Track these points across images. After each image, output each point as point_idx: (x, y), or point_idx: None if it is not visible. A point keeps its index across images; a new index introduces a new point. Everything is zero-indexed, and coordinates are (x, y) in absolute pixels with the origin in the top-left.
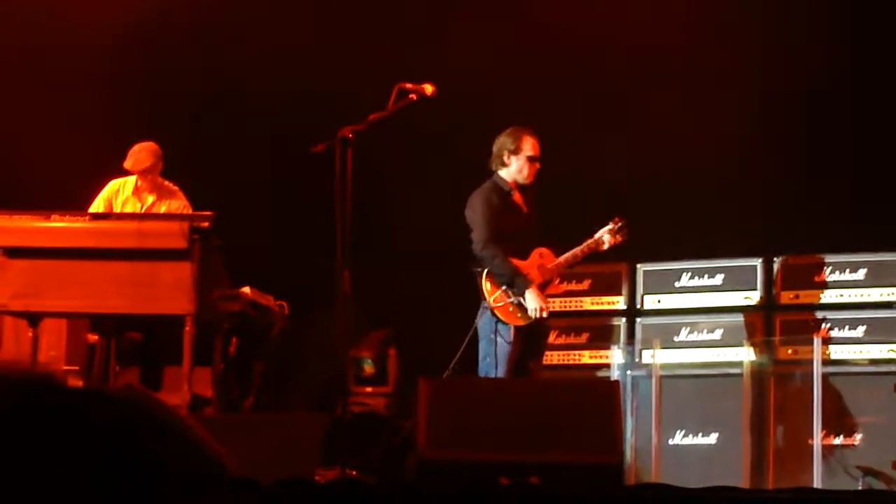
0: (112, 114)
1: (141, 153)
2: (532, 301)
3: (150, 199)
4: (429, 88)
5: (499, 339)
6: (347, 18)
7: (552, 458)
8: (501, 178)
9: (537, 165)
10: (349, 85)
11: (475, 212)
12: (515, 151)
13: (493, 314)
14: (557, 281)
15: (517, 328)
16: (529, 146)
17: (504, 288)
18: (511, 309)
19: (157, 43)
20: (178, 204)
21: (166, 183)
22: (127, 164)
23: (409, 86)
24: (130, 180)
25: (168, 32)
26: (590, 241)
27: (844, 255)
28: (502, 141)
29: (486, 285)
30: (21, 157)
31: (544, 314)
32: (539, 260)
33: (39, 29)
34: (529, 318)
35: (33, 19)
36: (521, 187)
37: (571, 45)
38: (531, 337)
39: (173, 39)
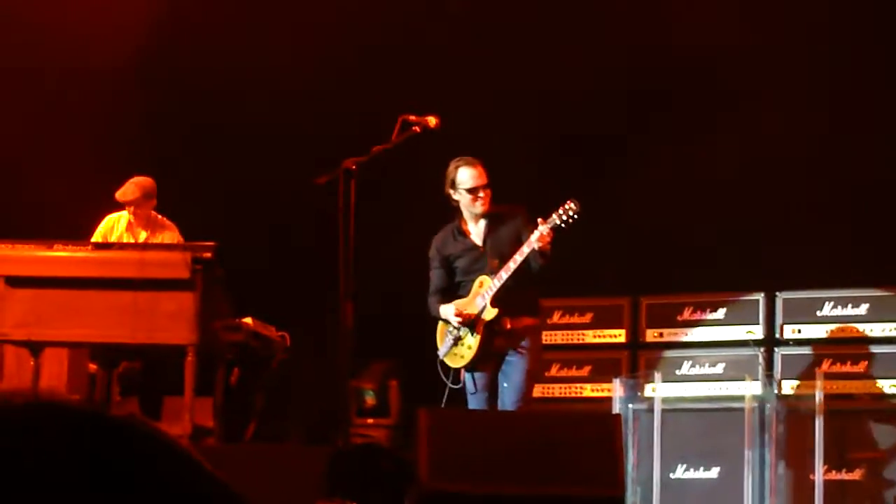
0: (114, 144)
1: (129, 186)
2: (448, 316)
3: (143, 234)
4: (432, 121)
5: (467, 391)
6: (351, 51)
7: (553, 491)
8: (458, 216)
9: (485, 193)
10: (353, 117)
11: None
12: (453, 186)
13: (447, 367)
14: (492, 308)
15: (476, 374)
16: (467, 177)
17: (446, 329)
18: (455, 351)
19: (160, 73)
20: (170, 237)
21: (159, 217)
22: (117, 195)
23: (412, 118)
24: (124, 216)
25: (170, 63)
26: (521, 247)
27: (846, 290)
28: (445, 175)
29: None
30: (23, 186)
31: (457, 319)
32: (478, 290)
33: (42, 57)
34: (468, 354)
35: (35, 46)
36: (490, 215)
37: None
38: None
39: (176, 69)
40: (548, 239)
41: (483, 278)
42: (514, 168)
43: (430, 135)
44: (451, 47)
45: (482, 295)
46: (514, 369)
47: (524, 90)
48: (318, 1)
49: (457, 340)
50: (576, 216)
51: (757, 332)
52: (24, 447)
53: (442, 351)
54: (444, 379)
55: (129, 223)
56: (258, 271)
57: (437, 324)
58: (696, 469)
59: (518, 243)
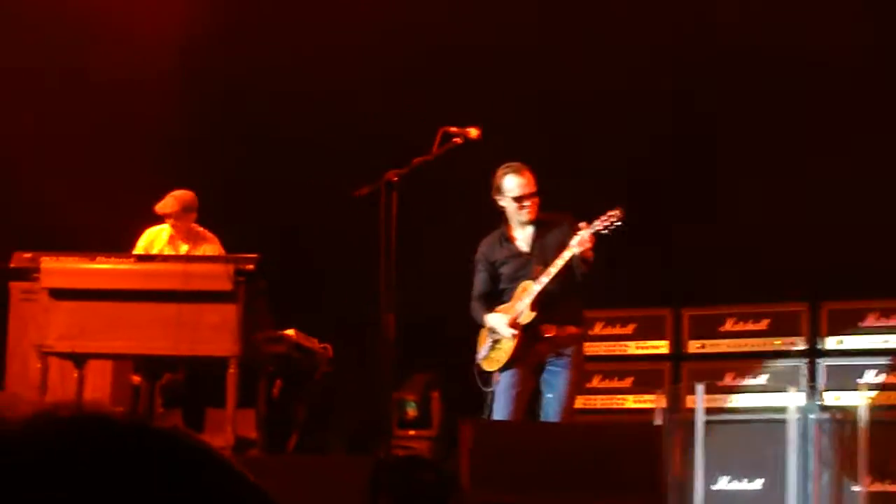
0: (156, 157)
1: (169, 199)
2: (496, 325)
3: (185, 247)
4: (473, 132)
5: (496, 388)
6: (392, 62)
7: (595, 502)
8: (504, 222)
9: (531, 201)
10: (393, 129)
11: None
12: (499, 192)
13: (482, 371)
14: (531, 312)
15: (507, 372)
16: (514, 186)
17: (487, 335)
18: (492, 355)
19: (203, 87)
20: (212, 249)
21: (200, 230)
22: (156, 207)
23: (453, 129)
24: (166, 229)
25: (213, 76)
26: (563, 252)
27: (890, 300)
28: (492, 182)
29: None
30: (65, 200)
31: (513, 331)
32: (520, 295)
33: (85, 70)
34: (503, 357)
35: (78, 58)
36: (537, 222)
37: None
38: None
39: (218, 83)
40: (589, 244)
41: (526, 283)
42: (559, 176)
43: (472, 146)
44: (495, 56)
45: (523, 299)
46: (558, 379)
47: (568, 97)
48: (361, 14)
49: (495, 343)
50: (620, 224)
51: (799, 342)
52: (70, 459)
53: (481, 355)
54: (479, 383)
55: (171, 236)
56: (301, 283)
57: (477, 327)
58: (740, 480)
59: (563, 250)
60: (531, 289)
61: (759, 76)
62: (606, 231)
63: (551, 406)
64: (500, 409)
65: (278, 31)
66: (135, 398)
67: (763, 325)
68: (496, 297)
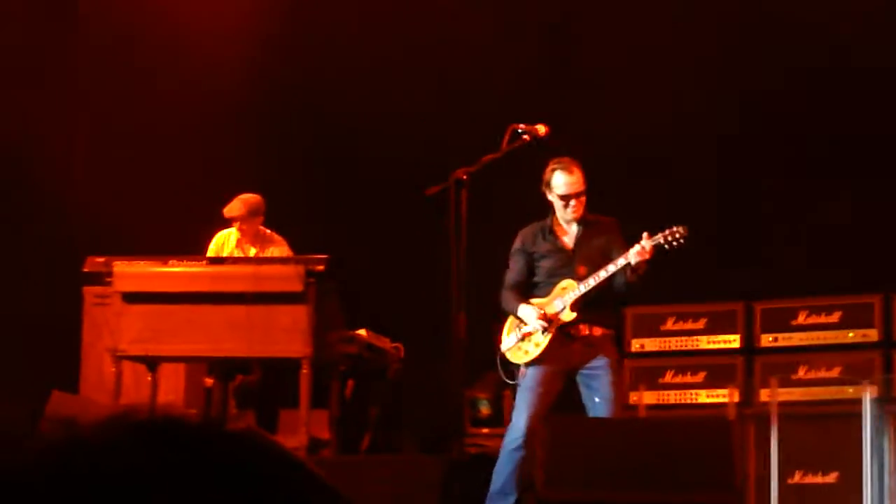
0: (226, 161)
1: (235, 202)
2: (527, 317)
3: (253, 250)
4: (542, 129)
5: (521, 382)
6: (461, 59)
7: (670, 499)
8: (551, 215)
9: (577, 201)
10: (463, 127)
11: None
12: (548, 188)
13: (505, 361)
14: (571, 313)
15: (538, 369)
16: (561, 183)
17: (516, 325)
18: (520, 346)
19: (271, 90)
20: (279, 251)
21: (268, 232)
22: (223, 211)
23: (522, 127)
24: (234, 233)
25: (279, 78)
26: (618, 259)
27: None
28: (543, 175)
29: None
30: (137, 203)
31: (542, 323)
32: (560, 293)
33: (156, 73)
34: (534, 351)
35: (148, 62)
36: (584, 221)
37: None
38: (565, 379)
39: (285, 84)
40: (647, 256)
41: (568, 282)
42: (617, 174)
43: (540, 143)
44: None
45: (563, 297)
46: (601, 383)
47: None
48: (425, 13)
49: (525, 336)
50: (682, 241)
51: (872, 334)
52: (144, 463)
53: (506, 344)
54: (501, 373)
55: (239, 239)
56: (372, 283)
57: (503, 314)
58: (815, 474)
59: (608, 255)
60: (575, 289)
61: None
62: (667, 247)
63: (600, 410)
64: (524, 407)
65: (346, 35)
66: (208, 400)
67: (835, 317)
68: (529, 288)
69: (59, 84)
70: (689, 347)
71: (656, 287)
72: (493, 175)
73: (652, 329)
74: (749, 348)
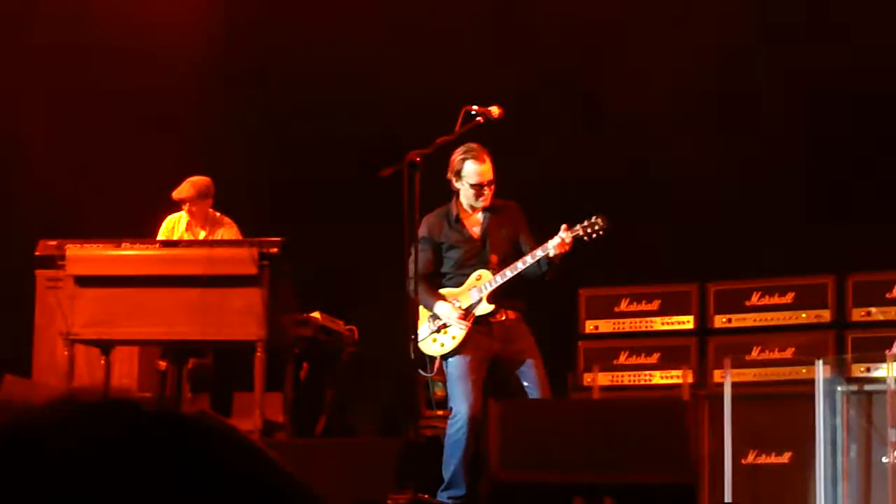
0: (177, 144)
1: (184, 185)
2: (445, 315)
3: (203, 233)
4: (495, 111)
5: (448, 372)
6: (414, 40)
7: (624, 479)
8: (455, 202)
9: (491, 188)
10: (416, 108)
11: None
12: (457, 177)
13: (421, 353)
14: (488, 303)
15: (459, 359)
16: (473, 172)
17: (430, 316)
18: (435, 338)
19: (222, 72)
20: (228, 233)
21: (217, 215)
22: (172, 193)
23: (475, 108)
24: (184, 216)
25: (233, 62)
26: (535, 250)
27: None
28: (450, 162)
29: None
30: (87, 187)
31: (465, 324)
32: (475, 283)
33: (103, 57)
34: (450, 344)
35: (94, 46)
36: (489, 208)
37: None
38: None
39: (238, 68)
40: (567, 248)
41: (482, 272)
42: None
43: (494, 125)
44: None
45: (479, 289)
46: (527, 366)
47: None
48: None
49: (440, 328)
50: (602, 232)
51: (826, 315)
52: (93, 443)
53: (420, 334)
54: (416, 364)
55: (189, 222)
56: (326, 266)
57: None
58: (768, 454)
59: (516, 241)
60: (491, 280)
61: None
62: (586, 238)
63: (532, 393)
64: (462, 395)
65: (294, 16)
66: (162, 384)
67: (789, 298)
68: (438, 277)
69: (10, 66)
70: (643, 329)
71: (610, 269)
72: (447, 157)
73: (606, 310)
74: (703, 329)
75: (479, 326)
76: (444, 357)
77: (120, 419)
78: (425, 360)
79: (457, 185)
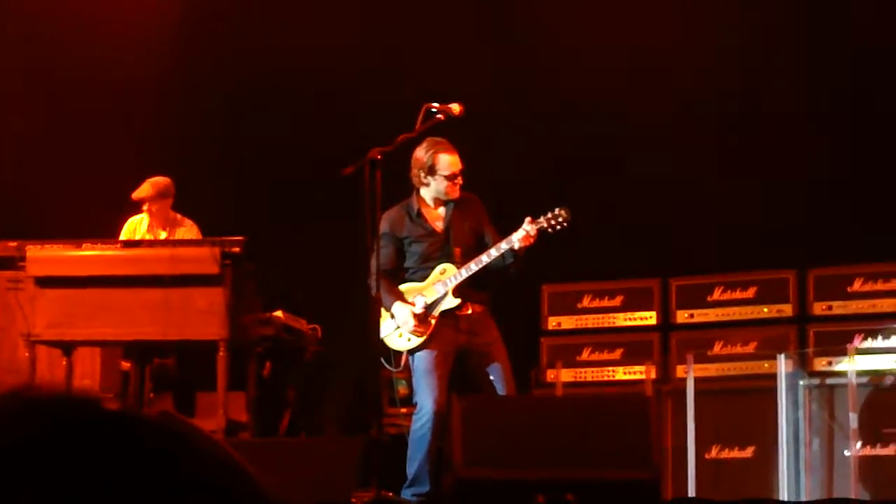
0: (140, 144)
1: (145, 185)
2: (401, 319)
3: (163, 234)
4: (456, 108)
5: (415, 366)
6: (377, 38)
7: (588, 474)
8: (416, 198)
9: (459, 181)
10: (379, 105)
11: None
12: (431, 171)
13: (387, 348)
14: (454, 296)
15: (426, 353)
16: (445, 165)
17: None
18: (400, 333)
19: (182, 71)
20: (187, 233)
21: (178, 216)
22: (133, 194)
23: (436, 106)
24: (145, 217)
25: (193, 61)
26: (499, 243)
27: (877, 264)
28: (416, 159)
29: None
30: (48, 188)
31: (408, 329)
32: (439, 277)
33: (62, 56)
34: (416, 339)
35: (53, 44)
36: (451, 201)
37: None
38: (452, 356)
39: (199, 67)
40: (532, 241)
41: (447, 266)
42: (526, 160)
43: (455, 122)
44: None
45: (444, 282)
46: (493, 360)
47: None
48: None
49: (405, 325)
50: (565, 224)
51: (787, 309)
52: (35, 437)
53: (384, 330)
54: (383, 360)
55: (150, 224)
56: (289, 265)
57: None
58: (731, 449)
59: (479, 233)
60: (456, 274)
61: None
62: (550, 230)
63: (497, 386)
64: (428, 391)
65: (254, 14)
66: (125, 384)
67: (750, 293)
68: (402, 272)
69: None
70: (606, 325)
71: (573, 265)
72: (408, 155)
73: (569, 307)
74: (665, 325)
75: (445, 320)
76: (411, 352)
77: (62, 414)
78: (391, 356)
79: (426, 179)
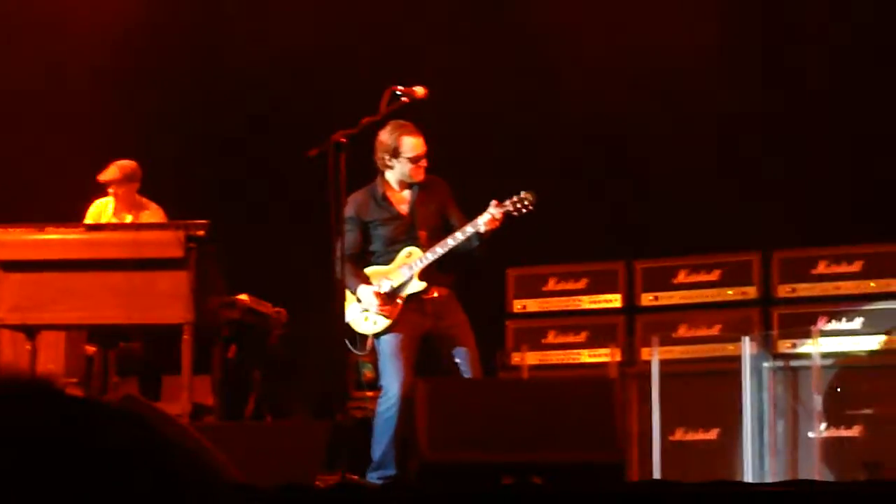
0: (103, 127)
1: (111, 168)
2: (367, 302)
3: (129, 217)
4: (420, 91)
5: (380, 349)
6: (340, 21)
7: (553, 457)
8: (380, 181)
9: (423, 164)
10: (343, 88)
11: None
12: (395, 154)
13: (353, 331)
14: (418, 279)
15: (391, 336)
16: (409, 147)
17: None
18: (366, 316)
19: (147, 54)
20: (151, 216)
21: (144, 200)
22: (98, 176)
23: (400, 89)
24: (111, 201)
25: (158, 42)
26: (465, 226)
27: (841, 247)
28: (380, 142)
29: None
30: (11, 171)
31: (374, 310)
32: (405, 260)
33: (28, 42)
34: (382, 322)
35: (19, 30)
36: (416, 184)
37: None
38: (420, 338)
39: (164, 49)
40: (498, 224)
41: (412, 249)
42: (502, 142)
43: (419, 105)
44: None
45: (409, 266)
46: (459, 343)
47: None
48: None
49: (370, 307)
50: (531, 207)
51: (752, 292)
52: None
53: (350, 314)
54: (349, 343)
55: (115, 207)
56: (253, 248)
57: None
58: (696, 431)
59: (444, 216)
60: (422, 257)
61: None
62: (516, 213)
63: (464, 369)
64: (394, 373)
65: None
66: (89, 368)
67: (715, 275)
68: (367, 255)
69: None
70: (571, 307)
71: (538, 248)
72: (372, 137)
73: (533, 289)
74: (630, 307)
75: (411, 304)
76: (377, 335)
77: (39, 403)
78: (356, 339)
79: (391, 162)
